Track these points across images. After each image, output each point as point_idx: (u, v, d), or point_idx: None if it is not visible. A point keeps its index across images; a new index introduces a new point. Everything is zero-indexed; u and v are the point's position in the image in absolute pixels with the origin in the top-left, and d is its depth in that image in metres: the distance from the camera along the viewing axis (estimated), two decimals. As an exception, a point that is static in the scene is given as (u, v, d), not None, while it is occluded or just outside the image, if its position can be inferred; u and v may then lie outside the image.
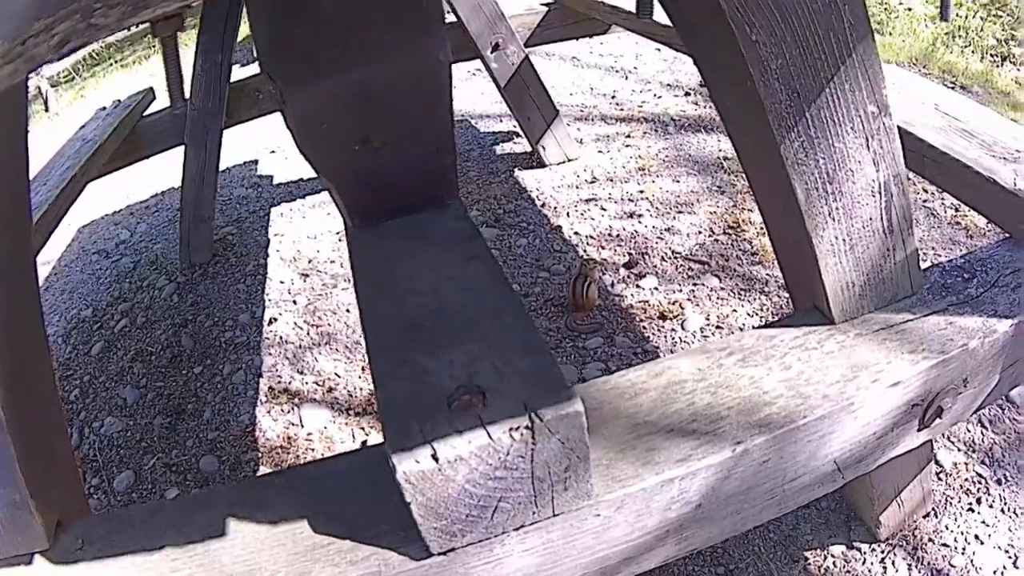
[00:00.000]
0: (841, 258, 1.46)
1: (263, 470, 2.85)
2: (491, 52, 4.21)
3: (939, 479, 2.38)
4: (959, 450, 2.47)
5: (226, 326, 3.78)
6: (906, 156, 2.07)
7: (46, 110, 9.59)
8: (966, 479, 2.37)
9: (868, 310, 1.56)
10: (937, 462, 2.43)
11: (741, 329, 3.07)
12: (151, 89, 4.18)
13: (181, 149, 4.11)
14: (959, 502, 2.29)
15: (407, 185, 1.52)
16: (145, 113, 4.06)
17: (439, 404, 1.11)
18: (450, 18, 4.23)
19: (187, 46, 4.07)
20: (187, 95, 3.94)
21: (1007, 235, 1.81)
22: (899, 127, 2.05)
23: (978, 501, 2.29)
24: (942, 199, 3.62)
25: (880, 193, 1.43)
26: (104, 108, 4.12)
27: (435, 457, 1.04)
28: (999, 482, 2.34)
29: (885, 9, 6.69)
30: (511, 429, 1.06)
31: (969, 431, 2.53)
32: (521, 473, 1.11)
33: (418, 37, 1.17)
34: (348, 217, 1.60)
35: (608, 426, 1.37)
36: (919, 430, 1.55)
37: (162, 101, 4.16)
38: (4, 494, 1.17)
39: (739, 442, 1.30)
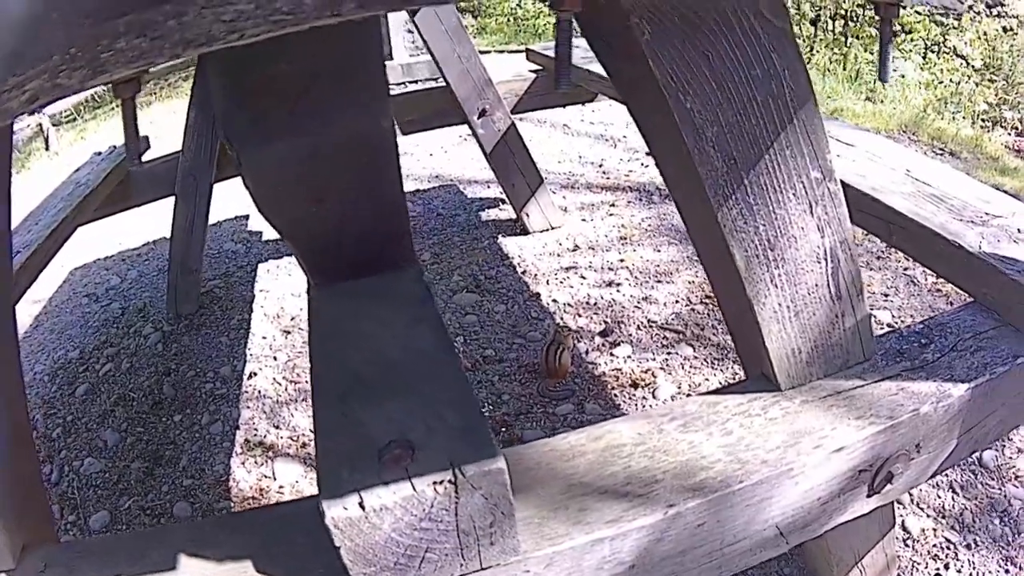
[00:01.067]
0: (785, 325, 1.46)
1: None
2: (478, 118, 4.27)
3: (906, 545, 2.35)
4: (928, 516, 2.45)
5: (207, 377, 3.82)
6: (873, 224, 2.11)
7: (46, 148, 9.72)
8: (934, 545, 2.34)
9: (817, 377, 1.55)
10: (904, 528, 2.41)
11: (713, 398, 3.05)
12: (146, 137, 4.24)
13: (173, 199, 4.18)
14: (926, 568, 2.27)
15: (361, 247, 1.57)
16: (136, 161, 4.08)
17: (371, 456, 1.14)
18: (439, 83, 4.30)
19: (185, 96, 4.14)
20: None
21: (971, 299, 1.82)
22: (866, 194, 2.09)
23: (946, 567, 2.26)
24: (923, 267, 3.65)
25: (826, 259, 1.44)
26: (99, 153, 4.19)
27: (362, 505, 1.07)
28: (969, 547, 2.32)
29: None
30: (435, 483, 1.09)
31: (939, 497, 2.51)
32: (446, 526, 1.13)
33: (363, 104, 1.23)
34: (308, 275, 1.66)
35: (543, 486, 1.36)
36: (869, 496, 1.53)
37: (157, 150, 4.23)
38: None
39: (672, 505, 1.28)
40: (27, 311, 4.90)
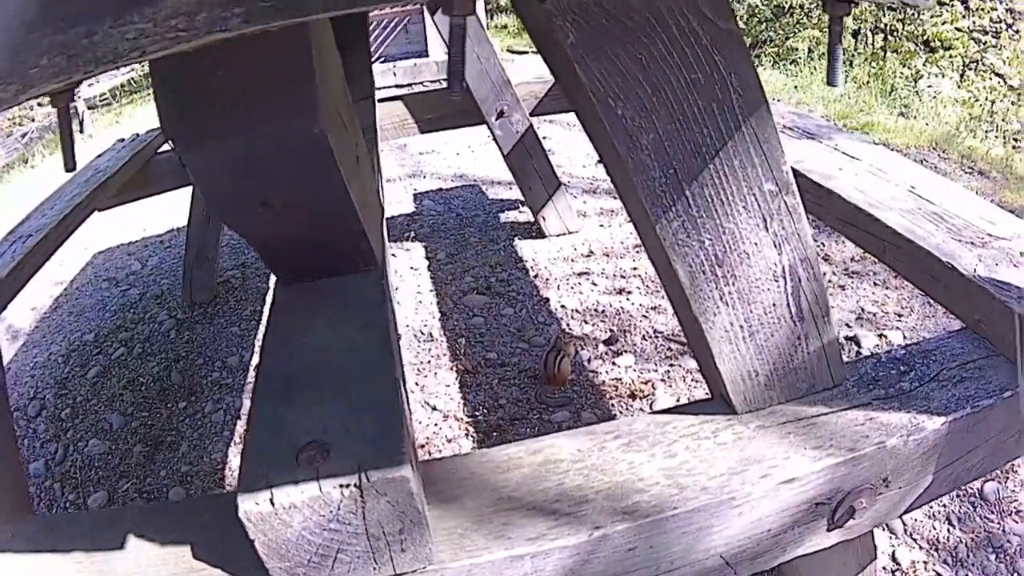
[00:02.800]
0: (739, 345, 1.39)
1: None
2: (496, 119, 4.24)
3: (893, 578, 2.27)
4: (920, 548, 2.37)
5: (215, 367, 3.89)
6: (867, 241, 2.03)
7: (80, 131, 9.87)
8: (924, 578, 2.26)
9: (777, 401, 1.48)
10: (894, 559, 2.32)
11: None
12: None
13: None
14: (912, 604, 2.19)
15: (316, 250, 1.57)
16: (160, 149, 4.16)
17: (289, 455, 1.15)
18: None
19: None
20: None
21: (962, 325, 1.72)
22: (863, 210, 2.00)
23: (935, 603, 2.18)
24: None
25: (784, 277, 1.36)
26: (123, 140, 4.25)
27: (272, 502, 1.08)
28: (959, 583, 2.23)
29: (915, 91, 6.65)
30: (341, 485, 1.09)
31: (934, 528, 2.43)
32: (355, 528, 1.12)
33: (293, 111, 1.22)
34: (273, 272, 1.67)
35: (472, 497, 1.32)
36: (829, 530, 1.46)
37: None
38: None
39: (598, 527, 1.23)
40: (48, 292, 5.01)
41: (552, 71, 1.42)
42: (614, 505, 1.27)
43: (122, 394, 3.75)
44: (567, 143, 6.20)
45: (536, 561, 1.22)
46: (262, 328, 3.97)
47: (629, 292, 3.92)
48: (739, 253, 1.31)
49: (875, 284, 3.74)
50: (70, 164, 2.34)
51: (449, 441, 3.05)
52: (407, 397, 1.46)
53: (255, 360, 3.78)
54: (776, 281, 1.36)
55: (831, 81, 1.39)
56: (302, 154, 1.27)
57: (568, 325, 3.73)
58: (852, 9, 1.25)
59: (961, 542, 2.37)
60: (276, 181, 1.34)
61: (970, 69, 7.46)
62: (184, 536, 1.32)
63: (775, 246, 1.33)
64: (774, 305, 1.38)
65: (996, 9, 7.63)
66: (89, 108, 10.35)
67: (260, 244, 1.56)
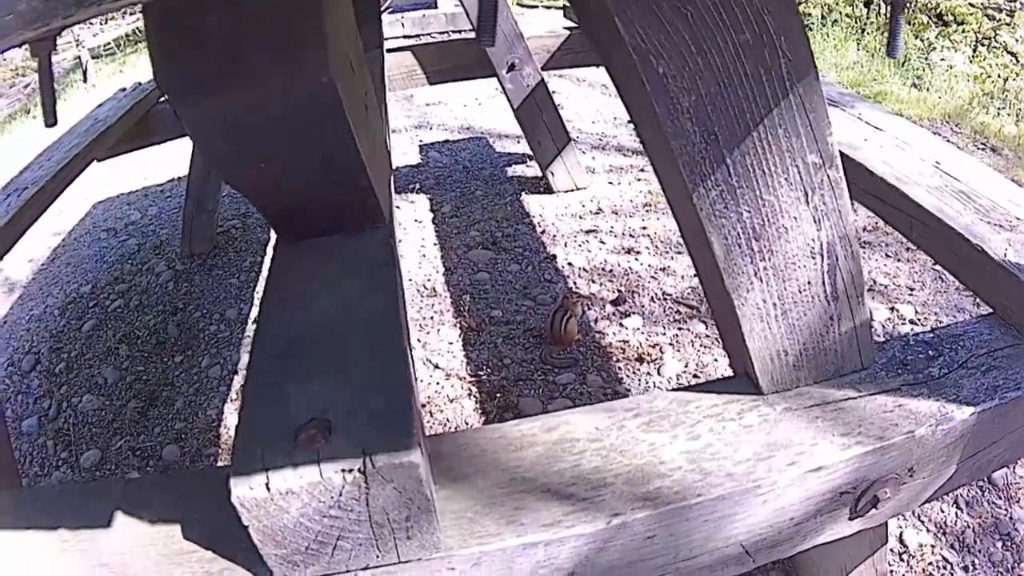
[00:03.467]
0: (770, 323, 1.31)
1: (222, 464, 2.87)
2: (506, 72, 4.14)
3: (900, 559, 2.23)
4: (928, 531, 2.32)
5: (212, 319, 3.82)
6: (894, 216, 1.94)
7: (84, 80, 9.91)
8: (930, 563, 2.22)
9: (805, 383, 1.41)
10: (902, 541, 2.28)
11: (719, 382, 2.92)
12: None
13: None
14: (919, 587, 2.14)
15: (320, 208, 1.49)
16: (162, 99, 4.04)
17: (287, 434, 1.07)
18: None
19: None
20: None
21: (990, 310, 1.65)
22: (890, 183, 1.92)
23: (940, 588, 2.13)
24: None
25: (822, 255, 1.28)
26: (124, 89, 4.14)
27: (268, 487, 1.01)
28: (966, 569, 2.20)
29: (928, 64, 6.54)
30: (344, 470, 1.02)
31: (943, 511, 2.38)
32: (357, 515, 1.05)
33: (299, 61, 1.14)
34: (275, 231, 1.59)
35: (483, 477, 1.25)
36: (851, 519, 1.40)
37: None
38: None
39: (617, 514, 1.16)
40: (46, 243, 4.94)
41: (583, 24, 1.32)
42: (634, 490, 1.20)
43: (117, 348, 3.68)
44: (577, 98, 6.08)
45: (550, 549, 1.15)
46: (261, 284, 3.93)
47: (638, 252, 3.84)
48: (777, 227, 1.23)
49: (887, 256, 3.66)
50: (50, 119, 2.21)
51: (451, 400, 2.99)
52: (412, 364, 1.38)
53: (254, 312, 3.72)
54: (813, 258, 1.28)
55: (891, 52, 1.30)
56: (309, 106, 1.18)
57: (575, 284, 3.65)
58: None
59: (969, 527, 2.32)
60: (280, 135, 1.25)
61: (982, 45, 7.32)
62: (174, 513, 1.26)
63: (815, 221, 1.25)
64: (809, 283, 1.30)
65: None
66: (93, 58, 10.29)
67: (261, 201, 1.48)
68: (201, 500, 1.28)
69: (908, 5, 7.47)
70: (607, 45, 1.16)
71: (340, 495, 1.02)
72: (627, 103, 1.31)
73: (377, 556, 1.10)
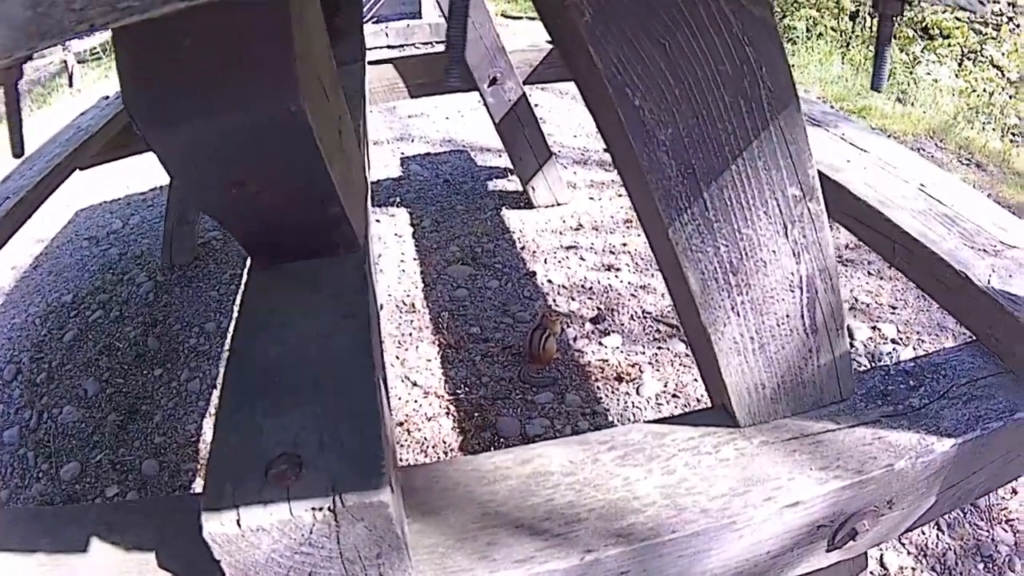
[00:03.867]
0: (747, 357, 1.29)
1: (199, 482, 2.85)
2: (488, 86, 4.12)
3: (881, 583, 2.22)
4: (908, 553, 2.31)
5: (192, 332, 3.79)
6: (876, 240, 1.93)
7: (70, 85, 9.80)
8: (911, 586, 2.20)
9: (783, 415, 1.39)
10: (882, 564, 2.27)
11: (698, 401, 2.91)
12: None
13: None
14: (901, 610, 2.13)
15: (293, 233, 1.46)
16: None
17: (258, 468, 1.05)
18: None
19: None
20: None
21: (973, 338, 1.63)
22: (873, 207, 1.91)
23: (922, 611, 2.12)
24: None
25: (801, 288, 1.27)
26: (107, 97, 4.11)
27: (239, 523, 0.99)
28: (948, 591, 2.18)
29: (913, 78, 6.58)
30: (313, 508, 1.00)
31: (923, 533, 2.37)
32: (329, 552, 1.03)
33: (269, 89, 1.11)
34: (248, 255, 1.56)
35: (456, 511, 1.22)
36: (828, 551, 1.38)
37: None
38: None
39: (590, 550, 1.14)
40: (28, 251, 4.88)
41: (561, 51, 1.30)
42: (608, 526, 1.18)
43: (98, 359, 3.65)
44: (559, 111, 6.07)
45: (522, 585, 1.13)
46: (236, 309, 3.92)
47: (618, 269, 3.82)
48: (756, 261, 1.21)
49: (869, 274, 3.66)
50: (17, 149, 2.14)
51: (429, 419, 2.96)
52: (386, 392, 1.36)
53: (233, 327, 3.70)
54: (792, 292, 1.26)
55: (876, 86, 1.28)
56: (279, 134, 1.16)
57: (554, 301, 3.64)
58: (904, 10, 1.14)
59: (950, 549, 2.32)
60: (250, 161, 1.23)
61: (968, 59, 7.39)
62: (149, 540, 1.24)
63: (794, 255, 1.23)
64: (787, 316, 1.28)
65: (998, 2, 7.55)
66: (79, 62, 10.21)
67: (233, 226, 1.45)
68: (177, 528, 1.26)
69: (895, 19, 7.52)
70: (582, 75, 1.14)
71: (311, 532, 1.01)
72: (603, 134, 1.28)
73: (349, 593, 1.08)
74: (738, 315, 1.24)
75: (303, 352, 1.26)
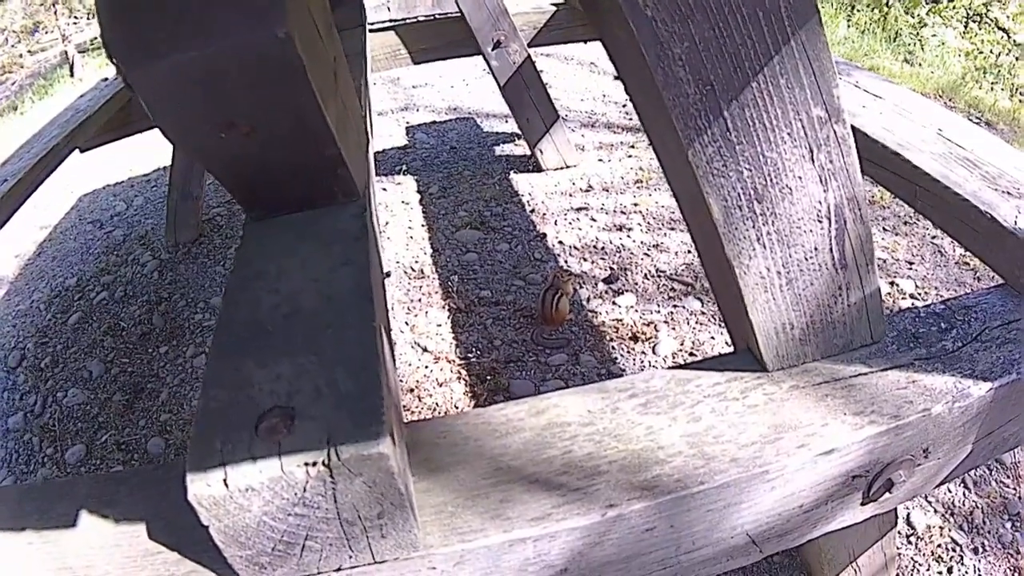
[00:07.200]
0: (775, 294, 1.21)
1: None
2: (492, 49, 4.04)
3: (908, 542, 2.15)
4: (936, 512, 2.24)
5: (197, 308, 3.76)
6: (897, 184, 1.84)
7: (71, 75, 9.92)
8: (939, 545, 2.14)
9: (812, 358, 1.31)
10: (909, 523, 2.20)
11: (716, 360, 2.84)
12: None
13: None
14: (927, 570, 2.08)
15: (288, 179, 1.39)
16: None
17: (248, 423, 0.97)
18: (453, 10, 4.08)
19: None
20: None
21: (1001, 281, 1.55)
22: (892, 150, 1.82)
23: (949, 571, 2.06)
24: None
25: (829, 218, 1.18)
26: (106, 79, 4.08)
27: (226, 483, 0.91)
28: (975, 551, 2.12)
29: (919, 40, 6.47)
30: (306, 464, 0.92)
31: (950, 491, 2.31)
32: (325, 513, 0.96)
33: (253, 13, 1.04)
34: (243, 208, 1.50)
35: (466, 467, 1.15)
36: (863, 504, 1.30)
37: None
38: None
39: (613, 505, 1.06)
40: (32, 237, 4.87)
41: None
42: (630, 479, 1.10)
43: (103, 340, 3.62)
44: (565, 76, 5.97)
45: (540, 545, 1.05)
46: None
47: (630, 228, 3.74)
48: (781, 188, 1.12)
49: (884, 230, 3.57)
50: None
51: (440, 384, 2.90)
52: (391, 345, 1.28)
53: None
54: (820, 222, 1.18)
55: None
56: (267, 66, 1.08)
57: (566, 262, 3.56)
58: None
59: (977, 507, 2.24)
60: (240, 98, 1.15)
61: (973, 21, 7.28)
62: (140, 512, 1.18)
63: (821, 181, 1.15)
64: (816, 249, 1.20)
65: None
66: (80, 52, 10.26)
67: (225, 175, 1.37)
68: (168, 497, 1.19)
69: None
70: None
71: (304, 491, 0.93)
72: (613, 57, 1.20)
73: (350, 557, 1.01)
74: (764, 247, 1.16)
75: (299, 301, 1.20)
